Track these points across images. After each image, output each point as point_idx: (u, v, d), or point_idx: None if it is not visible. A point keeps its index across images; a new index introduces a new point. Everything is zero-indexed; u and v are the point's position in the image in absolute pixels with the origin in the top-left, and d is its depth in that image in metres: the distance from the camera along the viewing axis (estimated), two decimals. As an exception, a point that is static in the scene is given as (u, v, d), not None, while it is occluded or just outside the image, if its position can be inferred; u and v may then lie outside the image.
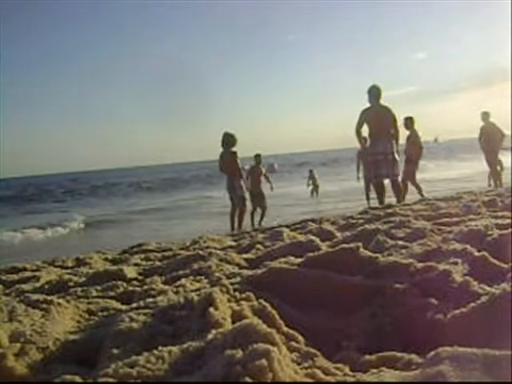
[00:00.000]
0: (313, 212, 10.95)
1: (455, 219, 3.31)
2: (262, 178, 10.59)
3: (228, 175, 8.88)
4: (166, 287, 2.12)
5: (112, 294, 2.20)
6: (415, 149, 9.91)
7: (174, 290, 2.00)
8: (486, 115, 10.84)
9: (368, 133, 7.68)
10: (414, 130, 10.03)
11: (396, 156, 7.62)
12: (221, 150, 8.95)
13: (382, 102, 7.70)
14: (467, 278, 1.59)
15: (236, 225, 8.73)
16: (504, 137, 10.79)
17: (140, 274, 2.78)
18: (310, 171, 18.93)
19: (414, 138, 9.97)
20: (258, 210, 10.28)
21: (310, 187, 18.34)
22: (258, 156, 10.69)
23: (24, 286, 2.61)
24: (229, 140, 8.84)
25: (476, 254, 1.89)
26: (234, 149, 8.86)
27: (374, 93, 7.63)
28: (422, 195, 9.56)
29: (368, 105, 7.69)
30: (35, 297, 1.95)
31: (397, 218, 3.54)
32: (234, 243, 3.88)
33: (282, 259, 2.22)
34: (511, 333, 1.16)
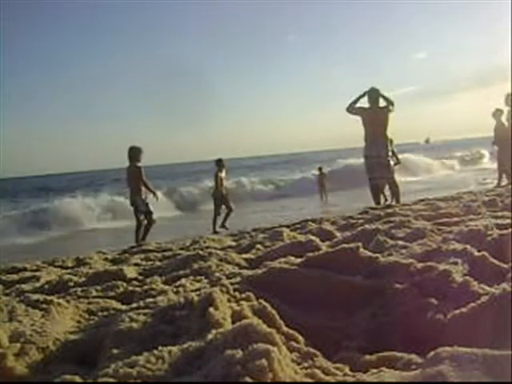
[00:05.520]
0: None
1: (455, 219, 3.31)
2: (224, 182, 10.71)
3: (131, 190, 8.54)
4: (166, 287, 2.12)
5: (112, 294, 2.20)
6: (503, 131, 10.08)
7: (174, 290, 2.00)
8: (498, 112, 10.59)
9: (363, 135, 7.69)
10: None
11: (389, 159, 7.67)
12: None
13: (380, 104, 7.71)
14: (467, 277, 1.59)
15: (140, 237, 8.38)
16: None
17: (140, 274, 2.79)
18: (320, 169, 17.03)
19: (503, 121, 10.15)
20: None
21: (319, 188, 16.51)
22: (219, 161, 10.74)
23: (24, 286, 2.61)
24: (134, 154, 8.46)
25: (476, 254, 1.89)
26: (139, 163, 8.48)
27: (372, 95, 7.64)
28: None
29: (366, 105, 7.70)
30: (35, 297, 1.95)
31: (397, 217, 3.54)
32: (233, 243, 3.88)
33: (282, 259, 2.21)
34: (511, 333, 1.16)
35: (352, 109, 7.68)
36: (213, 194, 10.81)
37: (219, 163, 10.71)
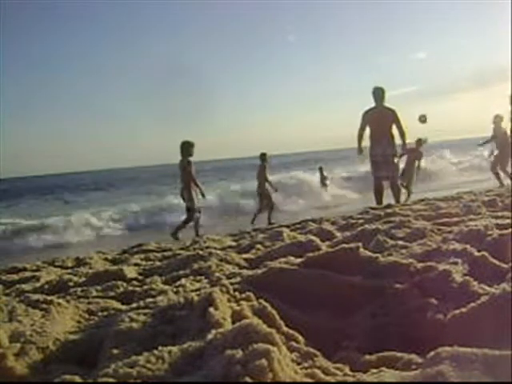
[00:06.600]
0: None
1: (455, 219, 3.31)
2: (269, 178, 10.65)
3: (182, 184, 8.56)
4: (166, 287, 2.12)
5: (112, 294, 2.20)
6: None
7: (174, 289, 2.00)
8: (498, 118, 10.81)
9: (369, 134, 7.68)
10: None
11: (395, 158, 7.66)
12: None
13: (386, 103, 7.71)
14: (467, 277, 1.59)
15: (194, 233, 8.34)
16: None
17: (140, 274, 2.79)
18: (320, 168, 16.71)
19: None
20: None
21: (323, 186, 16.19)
22: (263, 155, 10.59)
23: (24, 286, 2.61)
24: (185, 148, 8.48)
25: (476, 254, 1.89)
26: (190, 158, 8.48)
27: (378, 94, 7.65)
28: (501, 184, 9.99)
29: (370, 106, 7.70)
30: (35, 297, 1.95)
31: (397, 218, 3.53)
32: (234, 243, 3.88)
33: (282, 259, 2.22)
34: (511, 333, 1.16)
35: (361, 132, 7.69)
36: (258, 190, 10.62)
37: (263, 157, 10.48)
